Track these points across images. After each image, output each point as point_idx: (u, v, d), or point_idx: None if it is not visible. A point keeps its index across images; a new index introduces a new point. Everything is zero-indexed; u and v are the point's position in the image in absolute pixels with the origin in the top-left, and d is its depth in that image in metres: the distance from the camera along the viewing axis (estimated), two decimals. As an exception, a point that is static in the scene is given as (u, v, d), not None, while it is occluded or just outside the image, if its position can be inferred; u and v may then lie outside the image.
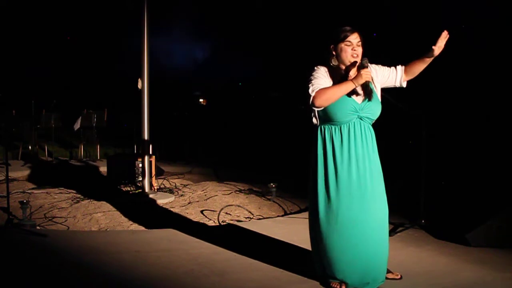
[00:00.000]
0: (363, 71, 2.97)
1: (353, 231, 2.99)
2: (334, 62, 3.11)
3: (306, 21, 10.62)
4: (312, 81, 3.04)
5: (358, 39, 3.08)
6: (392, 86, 3.28)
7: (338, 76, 3.10)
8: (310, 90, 3.01)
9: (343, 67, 3.12)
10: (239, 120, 12.31)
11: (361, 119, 3.07)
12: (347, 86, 2.99)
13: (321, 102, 2.98)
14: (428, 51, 3.03)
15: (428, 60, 3.09)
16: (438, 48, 3.00)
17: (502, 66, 6.84)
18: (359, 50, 3.07)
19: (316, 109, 3.05)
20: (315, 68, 3.13)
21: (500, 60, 6.86)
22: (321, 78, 3.06)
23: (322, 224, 3.06)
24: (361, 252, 3.00)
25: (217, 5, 13.20)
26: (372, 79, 3.09)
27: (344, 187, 3.01)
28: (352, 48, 3.06)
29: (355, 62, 3.07)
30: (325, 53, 3.15)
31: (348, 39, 3.06)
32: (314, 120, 3.13)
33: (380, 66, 3.23)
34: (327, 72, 3.11)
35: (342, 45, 3.07)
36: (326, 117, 3.07)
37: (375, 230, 3.03)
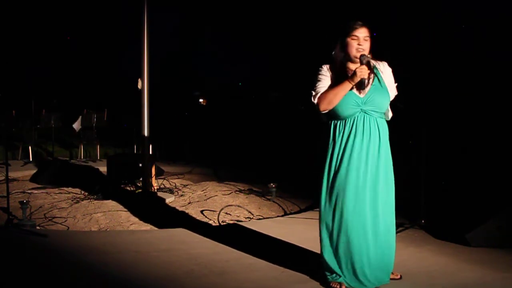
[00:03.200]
0: (357, 69, 2.97)
1: (360, 231, 2.99)
2: (338, 55, 3.11)
3: (306, 21, 10.62)
4: (316, 85, 3.08)
5: (365, 34, 3.03)
6: None
7: (341, 72, 3.08)
8: (312, 97, 3.08)
9: (347, 62, 3.10)
10: (239, 120, 12.30)
11: (366, 113, 3.04)
12: (345, 87, 3.01)
13: (325, 106, 3.04)
14: None
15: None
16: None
17: (502, 67, 6.84)
18: (365, 45, 3.03)
19: (323, 112, 3.07)
20: (320, 68, 3.14)
21: (500, 60, 6.86)
22: (322, 80, 3.09)
23: (328, 222, 3.05)
24: (368, 254, 2.99)
25: (217, 4, 13.19)
26: (376, 75, 3.07)
27: (343, 184, 2.99)
28: (358, 42, 3.03)
29: (357, 61, 3.04)
30: (333, 45, 3.16)
31: (355, 33, 3.03)
32: (323, 116, 3.14)
33: (392, 75, 3.17)
34: (329, 71, 3.11)
35: (348, 39, 3.06)
36: (331, 112, 3.08)
37: (383, 231, 3.05)
